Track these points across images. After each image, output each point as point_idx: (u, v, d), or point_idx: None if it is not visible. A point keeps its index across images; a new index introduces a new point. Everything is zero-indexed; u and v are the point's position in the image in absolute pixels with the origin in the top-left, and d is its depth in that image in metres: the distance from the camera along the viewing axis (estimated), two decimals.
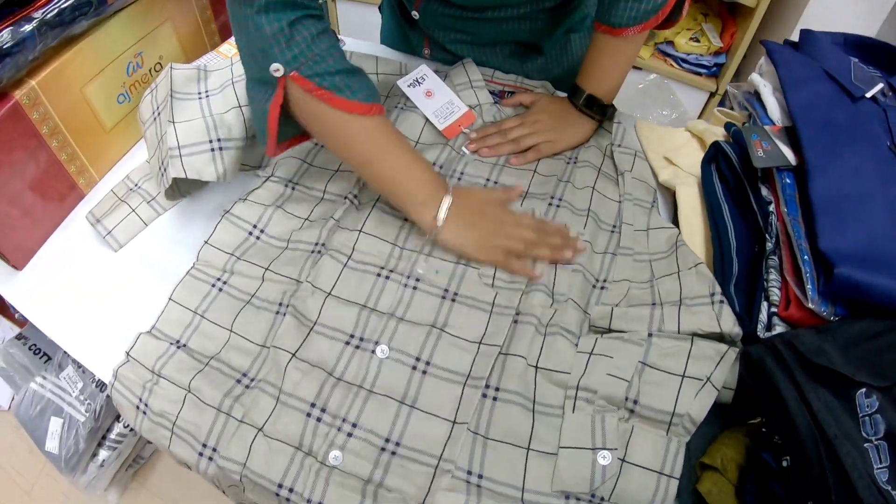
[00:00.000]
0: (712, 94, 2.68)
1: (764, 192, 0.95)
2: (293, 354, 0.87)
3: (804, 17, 2.39)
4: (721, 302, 0.87)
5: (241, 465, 0.79)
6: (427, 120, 1.17)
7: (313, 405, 0.83)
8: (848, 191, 0.88)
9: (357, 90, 0.91)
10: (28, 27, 0.92)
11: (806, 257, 0.84)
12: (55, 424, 1.67)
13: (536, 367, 0.86)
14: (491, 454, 0.80)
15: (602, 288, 0.95)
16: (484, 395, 0.83)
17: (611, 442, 0.78)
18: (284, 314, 0.92)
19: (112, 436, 1.73)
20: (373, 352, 0.87)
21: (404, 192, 0.96)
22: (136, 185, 1.10)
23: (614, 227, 1.03)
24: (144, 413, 0.85)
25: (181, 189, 1.06)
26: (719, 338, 0.85)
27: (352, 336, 0.89)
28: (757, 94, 1.09)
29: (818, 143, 0.93)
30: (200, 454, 0.82)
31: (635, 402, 0.82)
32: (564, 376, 0.85)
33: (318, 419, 0.82)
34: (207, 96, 1.04)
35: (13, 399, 1.80)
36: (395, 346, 0.88)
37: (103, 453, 1.73)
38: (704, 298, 0.88)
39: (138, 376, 0.88)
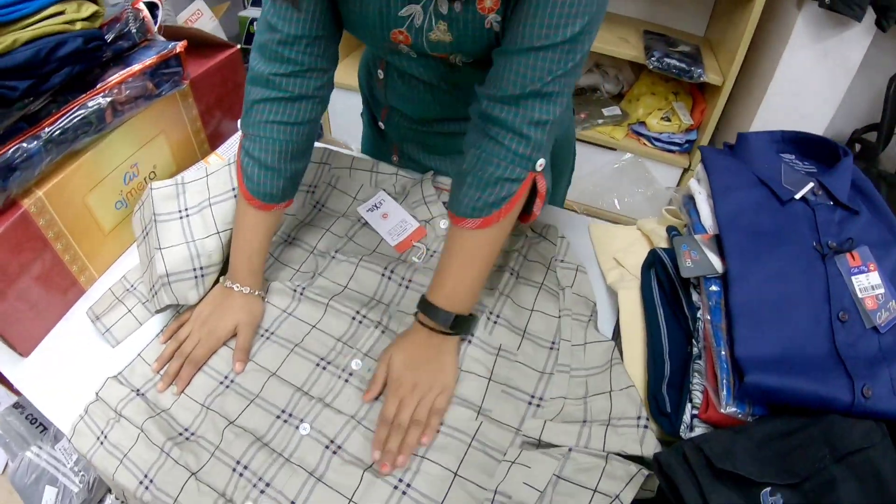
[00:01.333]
0: (686, 170, 2.76)
1: (695, 297, 1.01)
2: (231, 422, 1.00)
3: (771, 88, 2.47)
4: (646, 427, 0.93)
5: (173, 500, 0.91)
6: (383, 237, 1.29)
7: (238, 462, 0.95)
8: (768, 296, 0.93)
9: (259, 184, 1.09)
10: (35, 144, 1.02)
11: (724, 365, 0.91)
12: (49, 493, 1.73)
13: (455, 474, 0.94)
14: None
15: (538, 406, 1.01)
16: (395, 488, 0.92)
17: None
18: (228, 386, 1.05)
19: None
20: (297, 427, 0.99)
21: (233, 264, 1.14)
22: (132, 285, 1.20)
23: (553, 344, 1.09)
24: (101, 443, 0.98)
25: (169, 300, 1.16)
26: (639, 459, 0.91)
27: (283, 411, 1.01)
28: (693, 199, 1.15)
29: (741, 250, 0.99)
30: (140, 482, 0.94)
31: None
32: (481, 492, 0.92)
33: (241, 474, 0.94)
34: (188, 215, 1.15)
35: (7, 464, 1.86)
36: (316, 427, 0.99)
37: None
38: (631, 420, 0.94)
39: (104, 413, 1.01)
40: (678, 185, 2.80)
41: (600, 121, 2.75)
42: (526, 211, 1.05)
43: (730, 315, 0.94)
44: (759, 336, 0.90)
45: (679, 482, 0.80)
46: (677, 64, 2.49)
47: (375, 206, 1.33)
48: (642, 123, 2.76)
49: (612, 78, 2.90)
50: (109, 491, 1.79)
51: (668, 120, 2.70)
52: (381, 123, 1.39)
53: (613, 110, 2.77)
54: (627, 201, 2.67)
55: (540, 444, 0.96)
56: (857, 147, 2.73)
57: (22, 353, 1.13)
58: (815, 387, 0.85)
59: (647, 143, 2.76)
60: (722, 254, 1.01)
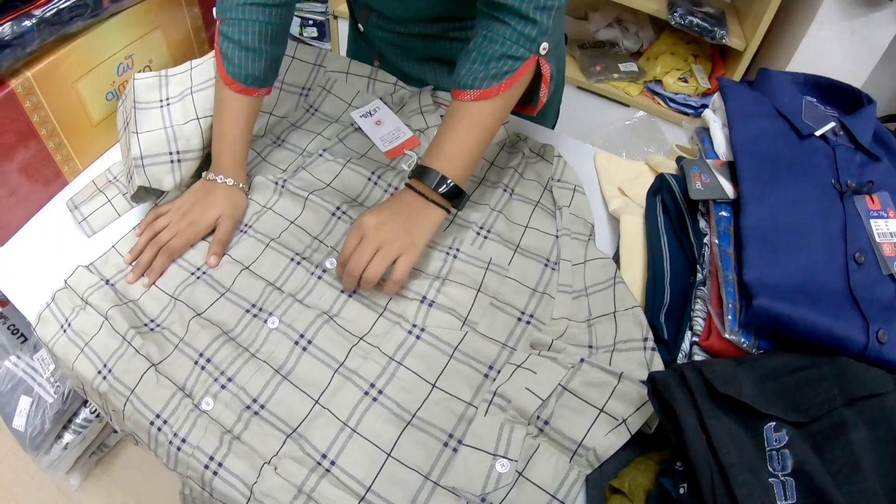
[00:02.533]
0: None
1: (702, 224, 0.97)
2: (198, 314, 0.96)
3: (793, 60, 2.39)
4: (653, 349, 0.88)
5: (129, 390, 0.88)
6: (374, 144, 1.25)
7: (201, 354, 0.91)
8: (781, 223, 0.89)
9: (241, 66, 1.06)
10: (28, 23, 0.99)
11: (730, 288, 0.86)
12: (24, 403, 1.70)
13: (433, 385, 0.89)
14: (352, 447, 0.83)
15: (528, 323, 0.97)
16: (366, 394, 0.88)
17: (513, 452, 0.80)
18: (199, 277, 1.01)
19: (78, 420, 1.76)
20: (265, 321, 0.95)
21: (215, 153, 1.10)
22: (115, 177, 1.15)
23: (548, 261, 1.05)
24: (65, 331, 0.95)
25: (148, 191, 1.12)
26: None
27: (253, 305, 0.97)
28: (707, 129, 1.11)
29: (756, 174, 0.94)
30: (99, 372, 0.90)
31: (546, 422, 0.83)
32: (459, 404, 0.87)
33: (203, 367, 0.90)
34: (168, 104, 1.10)
35: None
36: (286, 320, 0.95)
37: (68, 436, 1.76)
38: (637, 343, 0.90)
39: (70, 300, 0.98)
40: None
41: (616, 75, 2.68)
42: (531, 101, 1.06)
43: (740, 239, 0.90)
44: (770, 262, 0.85)
45: (676, 405, 0.74)
46: (700, 23, 2.42)
47: (370, 112, 1.29)
48: (658, 82, 2.69)
49: (632, 35, 2.82)
50: (84, 404, 1.76)
51: (686, 81, 2.64)
52: (360, 25, 1.36)
53: (630, 66, 2.70)
54: (636, 159, 2.60)
55: (550, 349, 0.92)
56: None
57: None
58: (829, 322, 0.80)
59: (661, 102, 2.69)
60: (734, 180, 0.97)
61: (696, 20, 2.43)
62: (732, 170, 0.99)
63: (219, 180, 1.07)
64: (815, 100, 1.11)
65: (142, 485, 2.00)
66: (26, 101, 1.03)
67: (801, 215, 0.90)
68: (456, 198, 0.99)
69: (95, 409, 1.78)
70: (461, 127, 0.98)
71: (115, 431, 1.95)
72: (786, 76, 1.13)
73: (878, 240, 0.90)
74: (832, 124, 1.02)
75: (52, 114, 1.09)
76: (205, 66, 1.14)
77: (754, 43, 2.40)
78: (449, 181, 0.97)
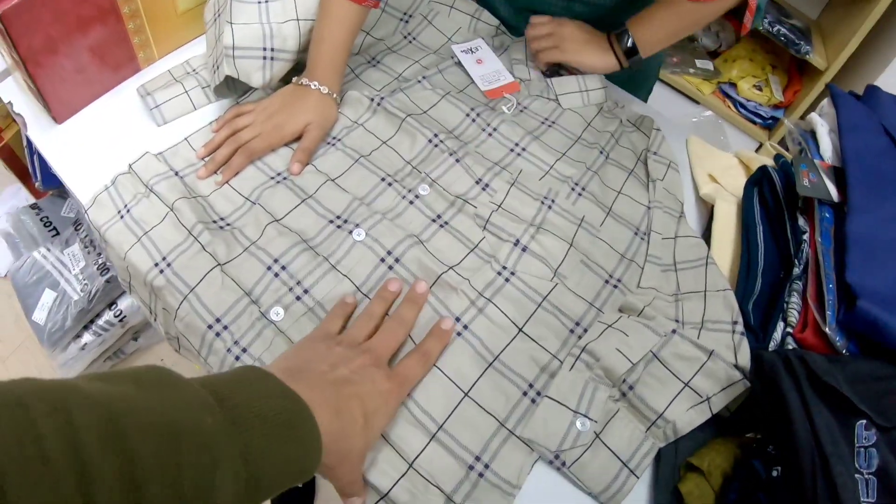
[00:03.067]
0: (760, 146, 2.66)
1: (801, 221, 0.95)
2: (276, 220, 0.90)
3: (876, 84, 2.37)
4: (742, 334, 0.85)
5: (189, 288, 0.82)
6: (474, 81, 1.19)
7: (276, 260, 0.84)
8: (884, 236, 0.87)
9: None
10: None
11: (831, 286, 0.84)
12: (48, 296, 1.67)
13: (520, 329, 0.84)
14: (430, 381, 0.77)
15: (615, 286, 0.93)
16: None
17: (594, 412, 0.77)
18: (279, 182, 0.95)
19: (100, 322, 1.74)
20: (350, 232, 0.88)
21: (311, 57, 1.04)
22: (194, 69, 1.10)
23: (638, 230, 1.01)
24: (122, 217, 0.89)
25: (230, 87, 1.07)
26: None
27: (337, 217, 0.91)
28: (813, 133, 1.09)
29: (864, 185, 0.93)
30: (156, 265, 0.84)
31: (631, 387, 0.79)
32: (544, 355, 0.82)
33: (276, 274, 0.84)
34: (268, 1, 1.04)
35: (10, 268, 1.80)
36: (373, 235, 0.88)
37: (87, 337, 1.74)
38: (726, 325, 0.87)
39: (134, 186, 0.92)
40: None
41: (691, 70, 2.64)
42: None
43: (841, 242, 0.88)
44: (870, 269, 0.83)
45: (784, 386, 0.72)
46: (787, 33, 2.39)
47: (471, 49, 1.23)
48: (733, 85, 2.66)
49: (713, 34, 2.77)
50: (109, 306, 1.73)
51: (760, 90, 2.59)
52: None
53: (706, 63, 2.66)
54: None
55: (641, 314, 0.87)
56: None
57: (56, 117, 1.04)
58: None
59: (731, 106, 2.66)
60: (839, 185, 0.95)
61: (783, 29, 2.39)
62: (837, 174, 0.97)
63: (312, 86, 1.01)
64: None
65: None
66: None
67: None
68: (630, 57, 1.16)
69: (119, 314, 1.74)
70: (671, 12, 1.12)
71: (135, 339, 1.92)
72: (892, 97, 1.13)
73: None
74: None
75: None
76: None
77: (837, 63, 2.38)
78: (636, 47, 1.14)
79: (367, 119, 1.05)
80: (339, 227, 0.90)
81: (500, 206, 0.96)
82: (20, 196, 2.08)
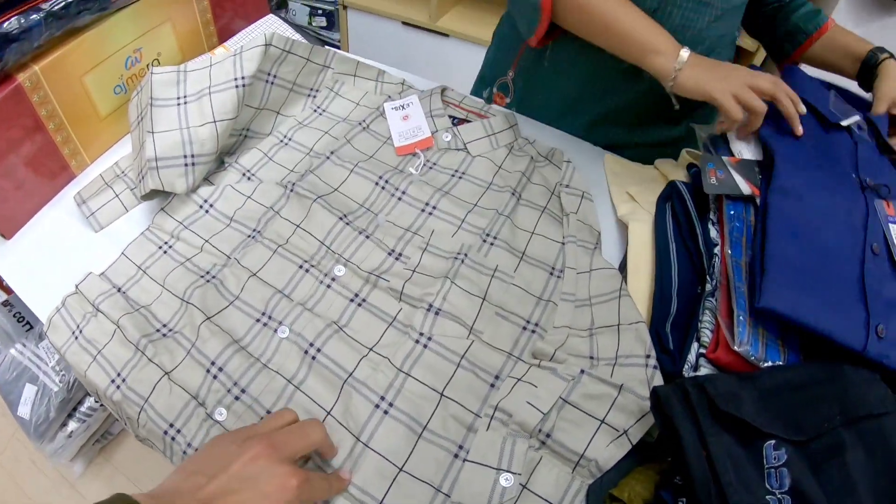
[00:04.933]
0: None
1: (713, 233, 0.96)
2: (208, 318, 0.94)
3: (804, 65, 2.39)
4: (655, 367, 0.87)
5: (143, 400, 0.87)
6: (384, 142, 1.24)
7: (213, 363, 0.90)
8: (812, 202, 0.91)
9: None
10: (35, 17, 0.98)
11: (741, 300, 0.86)
12: (29, 391, 1.71)
13: (441, 394, 0.88)
14: (365, 462, 0.82)
15: (532, 332, 0.96)
16: (377, 406, 0.87)
17: (516, 466, 0.79)
18: (208, 280, 1.00)
19: (83, 409, 1.77)
20: (275, 330, 0.94)
21: (643, 43, 1.04)
22: (122, 171, 1.15)
23: (553, 269, 1.04)
24: (76, 338, 0.94)
25: (155, 193, 1.11)
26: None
27: (262, 314, 0.96)
28: (721, 136, 1.09)
29: (788, 155, 0.97)
30: (112, 381, 0.89)
31: (548, 435, 0.82)
32: (468, 415, 0.86)
33: (215, 377, 0.89)
34: (185, 102, 1.09)
35: None
36: (295, 329, 0.93)
37: (72, 424, 1.77)
38: (639, 359, 0.88)
39: (81, 306, 0.97)
40: None
41: None
42: None
43: (765, 214, 0.91)
44: (791, 241, 0.87)
45: (677, 420, 0.73)
46: None
47: (403, 105, 1.28)
48: None
49: None
50: (88, 393, 1.77)
51: None
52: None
53: None
54: None
55: (552, 359, 0.90)
56: None
57: (4, 234, 1.10)
58: (831, 326, 0.81)
59: None
60: (749, 179, 0.98)
61: None
62: (747, 168, 1.00)
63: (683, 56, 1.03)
64: (840, 97, 1.14)
65: (144, 472, 2.02)
66: (34, 94, 1.03)
67: (829, 199, 0.93)
68: None
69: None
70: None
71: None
72: (808, 76, 1.18)
73: (895, 241, 0.91)
74: (857, 118, 1.07)
75: (59, 107, 1.08)
76: (225, 65, 1.13)
77: None
78: None
79: (282, 206, 1.09)
80: (265, 324, 0.94)
81: (414, 272, 1.00)
82: None
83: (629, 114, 1.30)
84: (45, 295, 1.00)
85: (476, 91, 1.56)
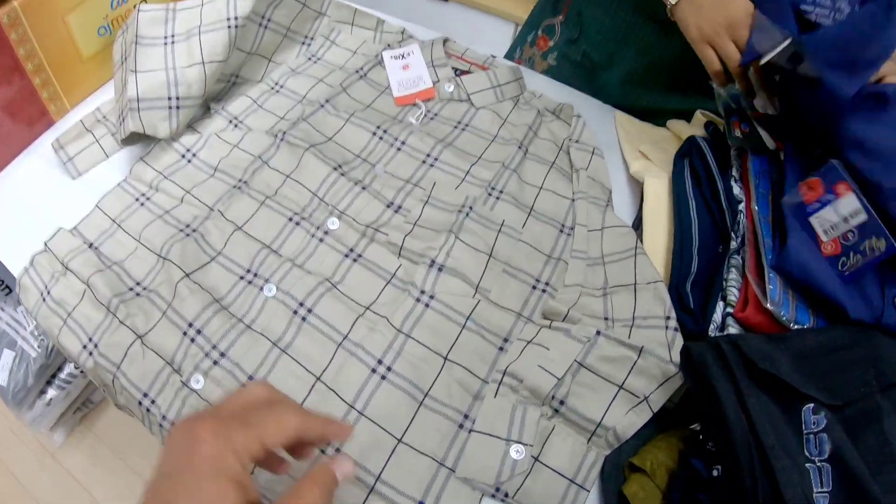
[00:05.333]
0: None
1: (736, 190, 0.93)
2: (187, 274, 0.88)
3: None
4: (675, 329, 0.82)
5: (116, 367, 0.81)
6: (383, 92, 1.18)
7: (191, 325, 0.83)
8: None
9: None
10: None
11: (770, 256, 0.82)
12: (7, 357, 1.65)
13: (446, 358, 0.83)
14: (360, 432, 0.76)
15: (543, 291, 0.91)
16: (373, 371, 0.81)
17: (528, 436, 0.75)
18: (188, 234, 0.94)
19: (62, 375, 1.72)
20: (261, 288, 0.87)
21: None
22: (104, 116, 1.09)
23: (563, 226, 0.99)
24: (45, 299, 0.88)
25: (136, 137, 1.06)
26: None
27: (247, 271, 0.90)
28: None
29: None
30: (84, 347, 0.83)
31: (562, 402, 0.77)
32: (474, 381, 0.81)
33: (193, 339, 0.82)
34: (173, 42, 1.03)
35: None
36: (283, 288, 0.87)
37: (51, 392, 1.72)
38: (658, 320, 0.84)
39: (50, 265, 0.91)
40: None
41: None
42: None
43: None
44: None
45: (715, 379, 0.69)
46: None
47: (403, 55, 1.22)
48: None
49: None
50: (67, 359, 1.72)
51: None
52: None
53: None
54: None
55: (565, 319, 0.85)
56: None
57: None
58: (843, 298, 0.78)
59: None
60: (774, 133, 0.94)
61: None
62: (771, 122, 0.94)
63: None
64: None
65: (126, 441, 1.98)
66: (11, 32, 0.96)
67: None
68: None
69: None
70: None
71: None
72: None
73: None
74: None
75: (39, 48, 1.01)
76: (217, 4, 1.07)
77: None
78: None
79: (271, 156, 1.03)
80: (249, 282, 0.88)
81: (415, 225, 0.95)
82: None
83: (664, 75, 1.24)
84: (21, 251, 0.94)
85: (521, 36, 1.50)
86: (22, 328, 1.66)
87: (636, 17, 1.20)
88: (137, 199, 0.99)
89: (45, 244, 0.93)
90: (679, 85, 1.24)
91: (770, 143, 0.93)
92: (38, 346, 1.63)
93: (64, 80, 1.09)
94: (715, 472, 0.68)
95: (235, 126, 1.09)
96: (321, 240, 0.93)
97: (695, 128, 1.14)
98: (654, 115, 1.24)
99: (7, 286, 1.78)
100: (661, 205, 1.00)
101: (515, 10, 2.48)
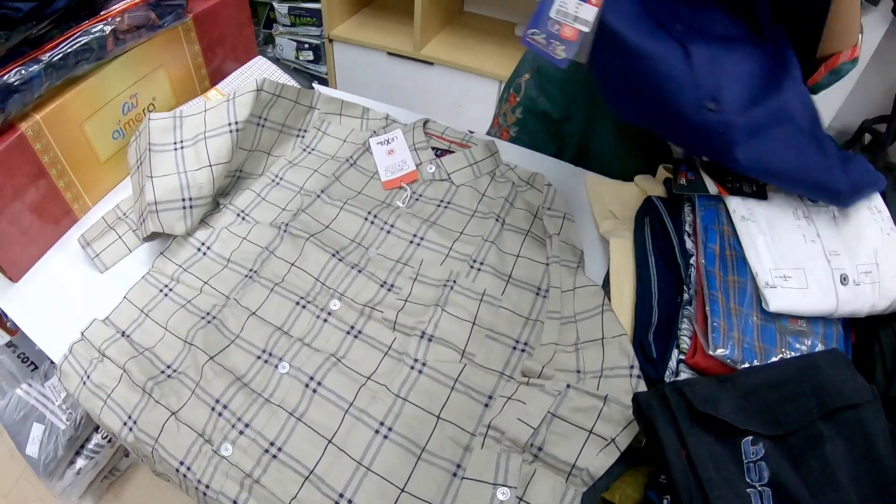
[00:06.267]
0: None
1: (689, 244, 1.01)
2: (211, 357, 0.99)
3: None
4: (638, 376, 0.92)
5: (154, 440, 0.92)
6: (372, 177, 1.30)
7: (218, 401, 0.95)
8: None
9: None
10: (35, 68, 1.03)
11: (715, 307, 0.91)
12: (37, 430, 1.73)
13: (438, 416, 0.93)
14: (367, 485, 0.87)
15: (522, 350, 1.01)
16: (377, 432, 0.92)
17: (512, 480, 0.83)
18: (209, 321, 1.05)
19: (90, 445, 1.80)
20: (276, 367, 0.99)
21: None
22: (124, 213, 1.20)
23: (539, 289, 1.09)
24: (85, 383, 0.98)
25: (156, 234, 1.16)
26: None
27: (263, 351, 1.01)
28: None
29: None
30: (125, 423, 0.94)
31: (540, 448, 0.86)
32: (464, 435, 0.91)
33: (220, 414, 0.94)
34: (182, 147, 1.16)
35: None
36: (295, 365, 0.99)
37: (80, 462, 1.79)
38: (624, 370, 0.93)
39: (87, 353, 1.02)
40: None
41: None
42: None
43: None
44: None
45: (658, 423, 0.79)
46: None
47: (387, 140, 1.33)
48: None
49: None
50: (96, 430, 1.80)
51: None
52: None
53: None
54: None
55: (540, 376, 0.95)
56: (867, 137, 2.69)
57: (12, 277, 1.14)
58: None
59: None
60: (716, 177, 1.03)
61: None
62: (716, 169, 1.04)
63: None
64: None
65: None
66: (36, 143, 1.07)
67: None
68: None
69: (107, 435, 1.82)
70: None
71: (127, 456, 1.99)
72: None
73: None
74: None
75: (61, 154, 1.13)
76: (219, 110, 1.19)
77: None
78: None
79: (276, 246, 1.14)
80: (265, 361, 1.00)
81: (406, 302, 1.05)
82: None
83: (618, 128, 1.36)
84: (56, 336, 1.05)
85: (503, 92, 1.60)
86: (50, 402, 1.75)
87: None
88: (161, 290, 1.10)
89: (82, 333, 1.04)
90: (635, 134, 1.35)
91: (713, 188, 1.02)
92: (67, 419, 1.72)
93: (84, 181, 1.21)
94: (665, 502, 0.77)
95: (243, 219, 1.20)
96: (325, 320, 1.05)
97: (659, 182, 1.23)
98: (618, 163, 1.34)
99: (33, 363, 1.88)
100: (625, 262, 1.09)
101: (497, 69, 2.59)
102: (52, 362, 1.82)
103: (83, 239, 1.16)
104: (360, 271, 1.11)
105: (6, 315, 1.14)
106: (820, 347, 0.90)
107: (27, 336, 1.08)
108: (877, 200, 0.99)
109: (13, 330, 1.95)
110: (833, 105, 2.58)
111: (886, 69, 2.56)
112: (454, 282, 1.07)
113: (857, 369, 0.84)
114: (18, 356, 1.90)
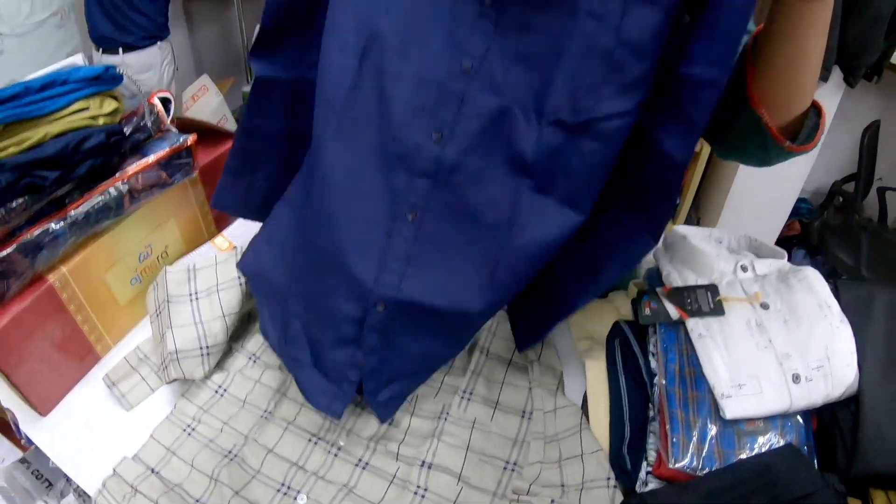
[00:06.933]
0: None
1: (653, 364, 1.12)
2: (236, 492, 1.09)
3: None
4: (615, 487, 1.03)
5: None
6: None
7: None
8: None
9: None
10: (61, 226, 1.13)
11: (675, 423, 1.02)
12: None
13: None
14: None
15: (512, 470, 1.11)
16: None
17: None
18: (231, 459, 1.15)
19: None
20: (294, 498, 1.09)
21: None
22: (145, 355, 1.32)
23: (524, 412, 1.19)
24: None
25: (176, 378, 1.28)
26: None
27: (282, 485, 1.11)
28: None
29: None
30: None
31: None
32: None
33: None
34: (197, 298, 1.27)
35: None
36: (312, 496, 1.09)
37: None
38: (602, 482, 1.04)
39: (120, 488, 1.10)
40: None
41: None
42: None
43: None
44: None
45: None
46: None
47: None
48: None
49: None
50: None
51: None
52: None
53: None
54: None
55: (528, 493, 1.06)
56: (839, 199, 2.77)
57: (41, 412, 1.23)
58: None
59: None
60: (678, 304, 1.13)
61: None
62: (677, 295, 1.14)
63: None
64: None
65: None
66: (63, 292, 1.18)
67: None
68: None
69: None
70: None
71: None
72: None
73: None
74: None
75: (84, 301, 1.24)
76: (229, 265, 1.31)
77: (707, 146, 2.63)
78: None
79: (287, 388, 1.25)
80: (285, 493, 1.10)
81: (406, 434, 1.17)
82: (4, 448, 2.20)
83: None
84: (85, 466, 1.16)
85: None
86: None
87: None
88: (184, 430, 1.20)
89: (114, 469, 1.13)
90: None
91: (675, 314, 1.12)
92: None
93: (106, 324, 1.32)
94: None
95: (254, 362, 1.31)
96: (336, 455, 1.15)
97: (629, 302, 1.32)
98: None
99: (47, 480, 1.95)
100: (600, 382, 1.20)
101: None
102: (67, 480, 1.89)
103: (108, 379, 1.26)
104: (363, 409, 1.21)
105: (19, 431, 1.24)
106: (779, 441, 0.99)
107: (41, 452, 1.17)
108: (828, 297, 1.09)
109: (26, 446, 2.01)
110: (802, 169, 2.70)
111: (849, 129, 2.70)
112: (447, 413, 1.18)
113: (820, 453, 0.95)
114: (32, 473, 1.96)
